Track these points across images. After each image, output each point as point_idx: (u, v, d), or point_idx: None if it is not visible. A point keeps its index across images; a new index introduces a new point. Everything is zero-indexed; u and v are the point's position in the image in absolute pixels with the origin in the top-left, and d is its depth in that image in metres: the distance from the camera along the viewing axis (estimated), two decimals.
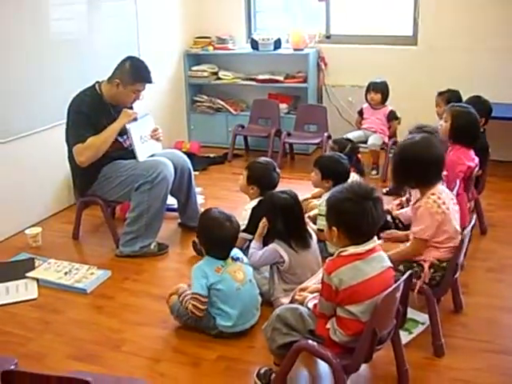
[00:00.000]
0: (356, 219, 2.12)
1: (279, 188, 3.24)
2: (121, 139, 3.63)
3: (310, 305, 2.28)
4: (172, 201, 3.95)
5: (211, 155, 5.52)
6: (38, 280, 3.29)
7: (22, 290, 3.22)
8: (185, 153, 5.41)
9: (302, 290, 2.50)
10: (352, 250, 2.14)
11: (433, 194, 2.62)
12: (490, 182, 4.35)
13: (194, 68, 5.81)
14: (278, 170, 3.43)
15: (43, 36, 4.04)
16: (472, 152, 3.56)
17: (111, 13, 4.74)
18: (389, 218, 3.24)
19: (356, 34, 5.50)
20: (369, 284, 2.11)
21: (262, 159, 3.51)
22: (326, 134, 5.13)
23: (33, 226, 3.90)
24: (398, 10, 5.41)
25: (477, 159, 3.49)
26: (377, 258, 2.18)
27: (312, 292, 2.42)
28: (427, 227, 2.59)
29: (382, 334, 2.18)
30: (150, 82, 3.59)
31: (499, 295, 3.12)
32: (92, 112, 3.46)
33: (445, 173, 3.47)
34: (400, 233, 2.98)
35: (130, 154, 3.60)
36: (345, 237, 2.15)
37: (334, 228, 2.16)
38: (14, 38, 3.78)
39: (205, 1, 5.78)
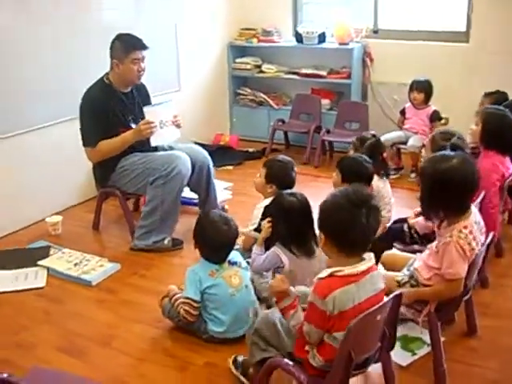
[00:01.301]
0: (344, 227, 1.94)
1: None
2: None
3: (293, 322, 2.07)
4: (194, 195, 3.91)
5: (250, 149, 5.43)
6: (48, 269, 3.33)
7: (31, 278, 3.26)
8: (223, 146, 5.46)
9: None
10: (347, 271, 1.94)
11: (465, 228, 2.35)
12: None
13: (238, 60, 5.73)
14: (295, 169, 3.28)
15: (87, 25, 4.15)
16: (508, 160, 3.30)
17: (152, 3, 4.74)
18: (405, 227, 3.07)
19: (405, 29, 5.23)
20: (359, 308, 1.93)
21: (281, 157, 3.37)
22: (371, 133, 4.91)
23: (56, 214, 3.96)
24: (450, 5, 5.09)
25: None
26: (370, 280, 1.99)
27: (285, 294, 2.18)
28: (461, 267, 2.33)
29: (360, 359, 2.02)
30: (143, 47, 3.54)
31: None
32: (102, 103, 3.47)
33: None
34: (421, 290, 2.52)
35: (149, 144, 3.57)
36: (332, 245, 1.98)
37: (325, 235, 2.00)
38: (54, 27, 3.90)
39: None
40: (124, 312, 2.97)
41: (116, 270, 3.34)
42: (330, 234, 1.98)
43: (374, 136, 3.65)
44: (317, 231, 3.06)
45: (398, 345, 2.65)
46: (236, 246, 3.13)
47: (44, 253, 3.50)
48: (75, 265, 3.35)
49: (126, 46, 3.50)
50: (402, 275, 2.57)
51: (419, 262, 2.55)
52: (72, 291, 3.16)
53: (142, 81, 3.72)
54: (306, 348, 2.05)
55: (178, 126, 3.68)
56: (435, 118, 4.65)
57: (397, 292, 2.05)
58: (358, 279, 1.95)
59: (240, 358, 2.35)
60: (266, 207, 3.05)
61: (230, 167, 5.06)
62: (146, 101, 3.79)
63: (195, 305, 2.61)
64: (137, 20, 4.58)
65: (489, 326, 2.78)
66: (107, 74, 3.59)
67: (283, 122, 5.44)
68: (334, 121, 5.23)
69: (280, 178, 3.14)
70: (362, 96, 5.46)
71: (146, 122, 3.47)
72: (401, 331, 2.75)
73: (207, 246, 2.69)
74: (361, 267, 1.97)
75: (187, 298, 2.62)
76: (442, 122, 4.99)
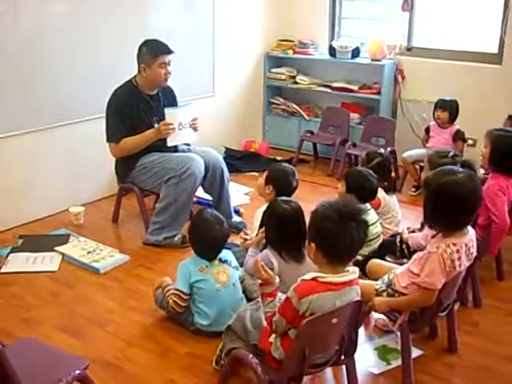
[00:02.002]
0: (334, 239, 2.04)
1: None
2: None
3: (267, 309, 2.22)
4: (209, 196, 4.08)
5: (278, 158, 5.57)
6: (63, 255, 3.58)
7: (46, 262, 3.52)
8: (252, 153, 5.62)
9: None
10: (330, 278, 2.06)
11: (454, 244, 2.40)
12: None
13: (274, 70, 5.89)
14: (297, 177, 3.40)
15: (136, 28, 4.43)
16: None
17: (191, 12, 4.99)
18: (397, 241, 3.14)
19: (438, 47, 5.26)
20: (328, 318, 2.05)
21: (284, 164, 3.52)
22: (389, 149, 4.98)
23: (82, 205, 4.22)
24: (485, 26, 5.10)
25: None
26: (349, 292, 2.11)
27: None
28: (439, 279, 2.39)
29: (316, 358, 2.14)
30: (168, 51, 3.73)
31: (506, 342, 2.87)
32: (129, 103, 3.70)
33: None
34: (394, 299, 2.58)
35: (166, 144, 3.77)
36: (322, 254, 2.09)
37: (313, 244, 2.11)
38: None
39: (291, 5, 5.82)
40: (124, 300, 3.17)
41: (125, 261, 3.55)
42: (319, 243, 2.09)
43: (380, 154, 3.74)
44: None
45: (375, 354, 2.77)
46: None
47: (63, 240, 3.76)
48: (88, 253, 3.58)
49: (153, 51, 3.72)
50: (380, 283, 2.65)
51: (402, 268, 2.62)
52: (81, 277, 3.40)
53: (173, 84, 3.94)
54: (270, 340, 2.19)
55: (195, 129, 3.86)
56: (458, 137, 4.66)
57: (357, 299, 2.15)
58: (338, 289, 2.07)
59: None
60: (264, 212, 3.19)
61: (256, 173, 5.21)
62: (173, 104, 3.99)
63: (184, 297, 2.78)
64: (179, 26, 4.84)
65: (471, 345, 2.83)
66: (135, 77, 3.82)
67: (312, 133, 5.56)
68: (361, 135, 5.31)
69: (278, 180, 3.27)
70: (392, 112, 5.51)
71: (165, 123, 3.68)
72: (381, 342, 2.85)
73: (199, 242, 2.86)
74: (343, 278, 2.08)
75: (177, 290, 2.79)
76: (469, 142, 5.02)
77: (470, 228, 2.51)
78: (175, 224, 3.74)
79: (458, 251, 2.42)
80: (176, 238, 3.75)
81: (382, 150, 4.01)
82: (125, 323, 2.95)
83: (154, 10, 4.65)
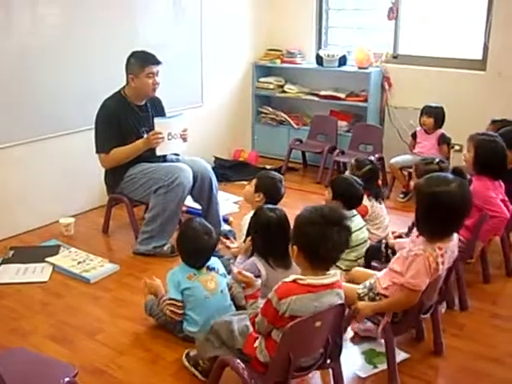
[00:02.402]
0: (316, 244, 2.09)
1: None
2: None
3: (250, 311, 2.27)
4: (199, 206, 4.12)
5: (267, 166, 5.61)
6: (54, 265, 3.60)
7: (37, 272, 3.54)
8: (242, 162, 5.67)
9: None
10: (309, 280, 2.10)
11: (440, 249, 2.45)
12: None
13: (262, 79, 5.96)
14: (284, 184, 3.45)
15: (124, 40, 4.48)
16: (498, 185, 3.36)
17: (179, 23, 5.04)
18: (382, 247, 3.18)
19: (423, 55, 5.34)
20: (311, 321, 2.08)
21: (272, 172, 3.57)
22: (377, 156, 5.03)
23: (73, 216, 4.24)
24: (469, 33, 5.19)
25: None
26: (330, 295, 2.14)
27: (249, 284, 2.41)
28: (423, 281, 2.42)
29: (301, 362, 2.17)
30: (156, 62, 3.77)
31: (491, 344, 2.91)
32: (118, 114, 3.74)
33: None
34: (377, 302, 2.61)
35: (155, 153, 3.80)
36: (303, 258, 2.14)
37: (295, 247, 2.15)
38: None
39: (279, 15, 5.90)
40: (114, 309, 3.20)
41: (115, 271, 3.58)
42: (302, 247, 2.13)
43: (371, 162, 3.79)
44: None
45: (362, 358, 2.80)
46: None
47: (54, 251, 3.79)
48: (78, 263, 3.61)
49: (141, 61, 3.76)
50: (362, 287, 2.69)
51: (383, 272, 2.67)
52: (72, 287, 3.42)
53: (161, 95, 3.98)
54: (255, 344, 2.22)
55: (185, 139, 3.90)
56: (443, 141, 4.73)
57: (339, 302, 2.18)
58: (317, 290, 2.10)
59: (192, 353, 2.54)
60: (251, 219, 3.23)
61: (246, 182, 5.23)
62: (161, 114, 4.03)
63: (179, 304, 2.79)
64: (167, 36, 4.90)
65: (457, 348, 2.86)
66: (123, 88, 3.86)
67: (301, 141, 5.61)
68: (349, 142, 5.37)
69: (268, 187, 3.33)
70: (380, 119, 5.57)
71: (154, 132, 3.72)
72: (368, 346, 2.89)
73: (187, 251, 2.89)
74: (324, 280, 2.12)
75: (171, 299, 2.80)
76: (456, 148, 5.09)
77: (455, 236, 2.56)
78: (164, 233, 3.77)
79: (442, 255, 2.46)
80: (165, 248, 3.78)
81: (371, 158, 4.06)
82: (114, 332, 2.97)
83: (142, 22, 4.70)
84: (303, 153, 5.70)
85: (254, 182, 3.46)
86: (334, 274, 2.16)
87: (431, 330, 2.85)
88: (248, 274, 2.43)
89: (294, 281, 2.11)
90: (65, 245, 3.90)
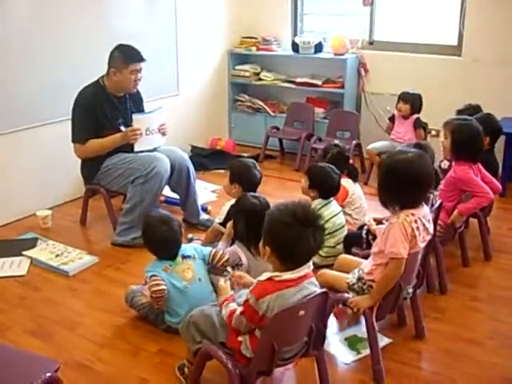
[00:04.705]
0: (290, 245, 2.04)
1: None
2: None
3: (224, 311, 2.22)
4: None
5: (244, 154, 5.58)
6: (31, 259, 3.54)
7: (14, 266, 3.47)
8: (219, 150, 5.63)
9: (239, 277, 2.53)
10: (286, 276, 2.06)
11: (413, 215, 2.46)
12: None
13: (238, 67, 5.91)
14: (258, 168, 3.42)
15: (95, 30, 4.41)
16: (477, 169, 3.39)
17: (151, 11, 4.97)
18: (363, 233, 3.18)
19: (399, 41, 5.36)
20: (295, 310, 2.06)
21: (244, 159, 3.55)
22: (354, 142, 5.05)
23: (49, 209, 4.17)
24: (445, 19, 5.21)
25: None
26: (308, 287, 2.12)
27: (246, 284, 2.42)
28: (403, 247, 2.42)
29: (284, 351, 2.16)
30: (141, 59, 3.72)
31: (471, 327, 2.96)
32: (94, 104, 3.67)
33: (441, 187, 3.38)
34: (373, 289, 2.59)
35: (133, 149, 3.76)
36: (276, 258, 2.08)
37: (268, 248, 2.09)
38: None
39: (253, 2, 5.84)
40: (94, 301, 3.16)
41: (94, 263, 3.53)
42: (275, 249, 2.07)
43: (335, 145, 3.79)
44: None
45: (345, 344, 2.81)
46: (198, 241, 3.32)
47: (31, 244, 3.72)
48: (56, 256, 3.55)
49: (126, 57, 3.70)
50: (351, 277, 2.69)
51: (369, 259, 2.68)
52: (50, 280, 3.37)
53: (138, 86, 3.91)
54: (240, 338, 2.19)
55: (164, 134, 3.87)
56: (419, 125, 4.76)
57: (322, 290, 2.18)
58: (296, 284, 2.08)
59: (181, 363, 2.51)
60: (231, 206, 3.21)
61: (223, 171, 5.19)
62: (139, 106, 3.99)
63: (159, 277, 2.73)
64: (141, 26, 4.83)
65: (438, 331, 2.90)
66: (102, 77, 3.79)
67: (278, 129, 5.59)
68: (326, 129, 5.36)
69: (241, 177, 3.31)
70: (356, 106, 5.58)
71: (133, 128, 3.69)
72: (350, 332, 2.90)
73: (153, 246, 2.88)
74: (298, 273, 2.09)
75: (151, 277, 2.74)
76: (433, 133, 5.12)
77: (425, 206, 2.57)
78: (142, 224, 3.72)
79: (416, 221, 2.46)
80: None
81: (336, 141, 4.07)
82: (95, 324, 2.94)
83: (116, 12, 4.62)
84: (280, 140, 5.68)
85: (228, 173, 3.43)
86: (307, 265, 2.12)
87: (411, 315, 2.88)
88: (244, 274, 2.38)
89: (270, 278, 2.07)
90: (42, 238, 3.83)
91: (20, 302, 3.14)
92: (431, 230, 2.58)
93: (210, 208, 4.29)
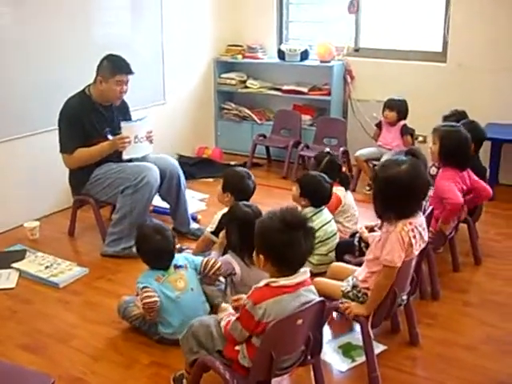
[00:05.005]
0: (283, 250, 2.06)
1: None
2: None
3: (223, 323, 2.24)
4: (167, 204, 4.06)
5: (232, 163, 5.58)
6: (20, 271, 3.50)
7: (3, 279, 3.42)
8: (206, 159, 5.62)
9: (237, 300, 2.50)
10: (282, 282, 2.08)
11: (410, 224, 2.47)
12: (507, 210, 4.17)
13: (224, 75, 5.92)
14: (253, 178, 3.42)
15: (82, 38, 4.41)
16: (465, 175, 3.42)
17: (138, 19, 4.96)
18: (355, 240, 3.19)
19: (385, 48, 5.41)
20: (293, 319, 2.07)
21: (238, 168, 3.54)
22: (341, 149, 5.08)
23: (37, 220, 4.12)
24: (429, 26, 5.27)
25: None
26: (305, 293, 2.13)
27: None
28: (398, 256, 2.42)
29: (282, 360, 2.16)
30: (128, 72, 3.71)
31: (465, 332, 2.98)
32: (80, 113, 3.65)
33: (431, 193, 3.40)
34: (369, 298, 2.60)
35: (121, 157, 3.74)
36: (271, 265, 2.10)
37: (261, 256, 2.11)
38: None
39: (238, 10, 5.87)
40: (86, 313, 3.13)
41: (84, 274, 3.50)
42: (268, 255, 2.10)
43: (328, 153, 3.81)
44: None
45: (339, 352, 2.81)
46: (189, 250, 3.30)
47: (20, 256, 3.67)
48: (46, 268, 3.51)
49: (113, 67, 3.68)
50: (345, 285, 2.69)
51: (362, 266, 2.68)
52: (40, 292, 3.32)
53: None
54: (237, 348, 2.19)
55: (151, 141, 3.85)
56: (405, 131, 4.79)
57: (319, 299, 2.18)
58: (293, 290, 2.09)
59: (177, 374, 2.49)
60: (223, 215, 3.21)
61: (211, 179, 5.20)
62: (125, 114, 3.97)
63: (151, 288, 2.72)
64: (127, 34, 4.82)
65: (432, 337, 2.91)
66: (89, 86, 3.77)
67: (265, 136, 5.59)
68: (313, 136, 5.38)
69: (234, 186, 3.30)
70: (343, 112, 5.61)
71: (121, 136, 3.67)
72: (344, 339, 2.90)
73: (146, 256, 2.87)
74: (295, 279, 2.10)
75: (142, 288, 2.73)
76: (420, 139, 5.17)
77: (420, 214, 2.58)
78: (133, 234, 3.61)
79: (413, 230, 2.47)
80: (134, 249, 3.66)
81: (327, 149, 4.09)
82: (88, 337, 2.90)
83: (102, 21, 4.60)
84: (267, 148, 5.68)
85: (221, 181, 3.43)
86: (304, 272, 2.15)
87: (405, 322, 2.89)
88: (241, 295, 2.37)
89: (267, 285, 2.09)
90: (31, 249, 3.78)
91: (11, 316, 3.09)
92: (426, 237, 2.60)
93: (199, 217, 4.28)
